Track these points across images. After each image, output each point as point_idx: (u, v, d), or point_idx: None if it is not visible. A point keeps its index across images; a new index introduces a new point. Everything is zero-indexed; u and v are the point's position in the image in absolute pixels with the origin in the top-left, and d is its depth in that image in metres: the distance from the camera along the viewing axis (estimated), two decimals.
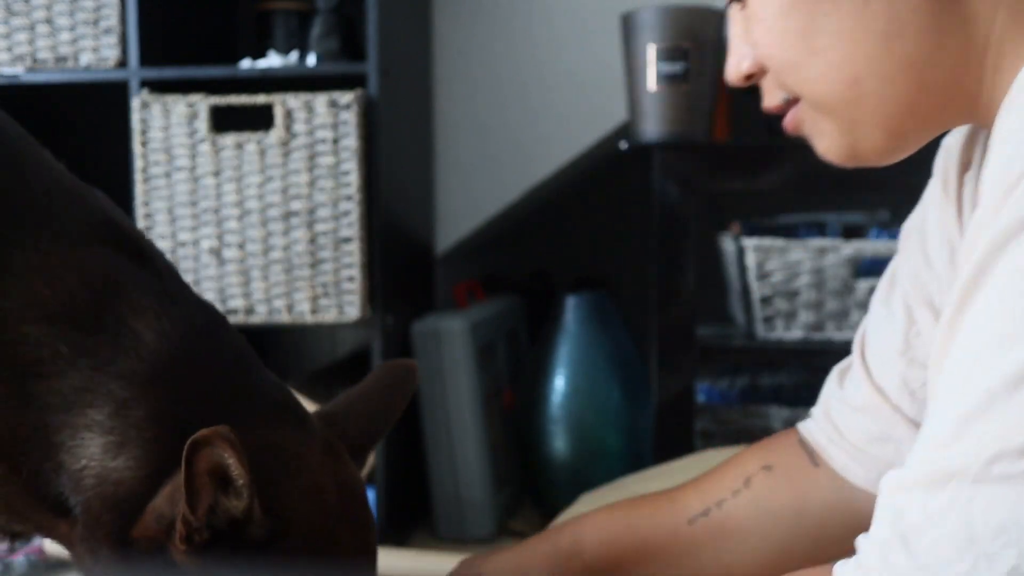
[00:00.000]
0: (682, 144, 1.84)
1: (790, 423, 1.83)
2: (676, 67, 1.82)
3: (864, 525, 0.67)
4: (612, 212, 2.73)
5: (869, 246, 1.80)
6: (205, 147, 1.84)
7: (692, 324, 1.82)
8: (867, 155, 0.79)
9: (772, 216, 2.15)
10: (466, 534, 2.06)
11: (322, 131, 1.82)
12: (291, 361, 2.46)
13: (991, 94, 0.75)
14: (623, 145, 1.93)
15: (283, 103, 1.82)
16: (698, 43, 1.83)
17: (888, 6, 0.74)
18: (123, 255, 0.88)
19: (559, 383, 2.10)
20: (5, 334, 0.82)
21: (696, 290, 1.83)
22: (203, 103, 1.84)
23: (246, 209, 1.85)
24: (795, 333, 1.84)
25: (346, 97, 1.82)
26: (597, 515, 1.07)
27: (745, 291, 1.88)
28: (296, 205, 1.84)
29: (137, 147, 1.86)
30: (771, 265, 1.82)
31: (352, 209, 1.83)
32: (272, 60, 1.94)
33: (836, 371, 1.02)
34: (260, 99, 1.83)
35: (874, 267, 1.82)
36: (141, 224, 1.86)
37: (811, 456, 1.00)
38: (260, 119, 1.84)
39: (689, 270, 1.82)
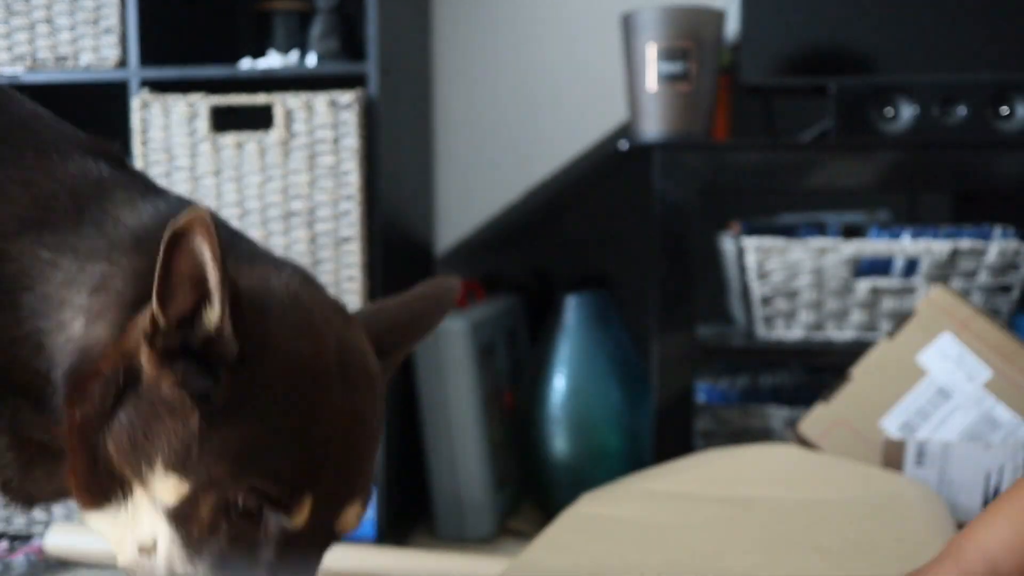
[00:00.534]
0: (682, 144, 1.84)
1: (790, 423, 1.84)
2: (676, 67, 1.82)
3: None
4: (612, 212, 2.73)
5: (869, 246, 1.80)
6: (205, 147, 1.84)
7: (692, 324, 1.82)
8: None
9: (772, 216, 2.15)
10: (466, 534, 2.06)
11: (322, 131, 1.82)
12: None
13: None
14: (623, 145, 1.93)
15: (283, 103, 1.82)
16: (698, 43, 1.83)
17: None
18: (104, 161, 0.91)
19: (559, 383, 2.10)
20: None
21: (696, 290, 1.83)
22: (203, 103, 1.84)
23: (246, 209, 1.85)
24: (795, 333, 1.84)
25: (346, 97, 1.82)
26: (995, 522, 0.92)
27: (745, 291, 1.88)
28: (296, 205, 1.84)
29: (137, 147, 1.86)
30: (771, 265, 1.82)
31: (352, 209, 1.83)
32: (272, 60, 1.94)
33: None
34: (260, 99, 1.83)
35: (874, 267, 1.82)
36: None
37: None
38: (260, 119, 1.85)
39: (689, 270, 1.82)
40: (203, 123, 1.84)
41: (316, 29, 2.00)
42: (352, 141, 1.81)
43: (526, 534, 2.00)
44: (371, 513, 1.89)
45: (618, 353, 2.13)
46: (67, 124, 0.95)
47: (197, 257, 0.74)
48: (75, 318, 0.83)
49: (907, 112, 1.80)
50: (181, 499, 0.78)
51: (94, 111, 2.15)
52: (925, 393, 1.53)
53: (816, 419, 1.55)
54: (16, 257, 0.84)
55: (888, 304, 1.81)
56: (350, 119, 1.82)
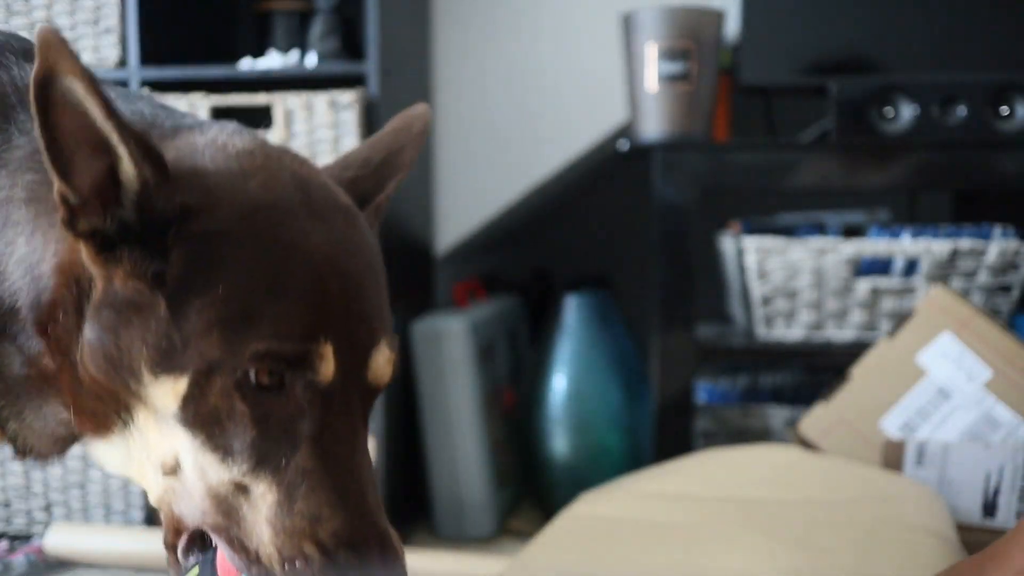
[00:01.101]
0: (682, 144, 1.84)
1: (790, 423, 1.84)
2: (676, 67, 1.82)
3: None
4: (612, 212, 2.73)
5: (869, 246, 1.80)
6: None
7: (692, 324, 1.83)
8: None
9: (772, 216, 2.15)
10: (466, 534, 2.06)
11: (322, 131, 1.82)
12: None
13: None
14: (623, 145, 1.94)
15: (283, 103, 1.82)
16: (698, 43, 1.83)
17: None
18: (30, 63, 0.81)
19: (559, 383, 2.10)
20: None
21: (696, 290, 1.83)
22: (203, 103, 1.84)
23: None
24: (795, 333, 1.84)
25: (346, 97, 1.82)
26: None
27: (745, 291, 1.88)
28: None
29: None
30: (771, 265, 1.82)
31: None
32: (272, 60, 1.94)
33: None
34: (260, 99, 1.83)
35: (874, 267, 1.82)
36: None
37: None
38: (260, 119, 1.84)
39: (689, 270, 1.82)
40: None
41: (316, 29, 2.00)
42: (352, 141, 1.81)
43: (526, 534, 2.00)
44: None
45: (618, 353, 2.14)
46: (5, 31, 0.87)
47: (75, 104, 0.64)
48: (18, 236, 0.74)
49: (907, 112, 1.80)
50: (184, 399, 0.68)
51: None
52: (925, 393, 1.53)
53: (816, 419, 1.55)
54: None
55: (888, 304, 1.81)
56: (350, 119, 1.82)
